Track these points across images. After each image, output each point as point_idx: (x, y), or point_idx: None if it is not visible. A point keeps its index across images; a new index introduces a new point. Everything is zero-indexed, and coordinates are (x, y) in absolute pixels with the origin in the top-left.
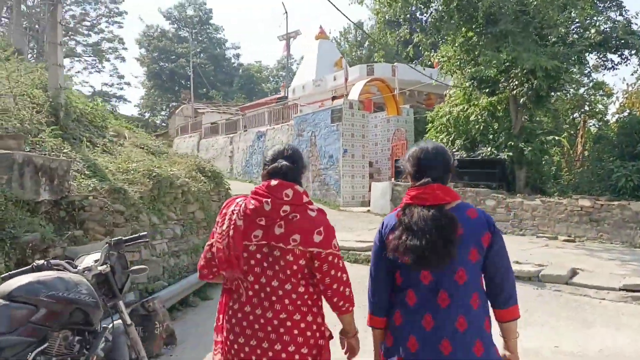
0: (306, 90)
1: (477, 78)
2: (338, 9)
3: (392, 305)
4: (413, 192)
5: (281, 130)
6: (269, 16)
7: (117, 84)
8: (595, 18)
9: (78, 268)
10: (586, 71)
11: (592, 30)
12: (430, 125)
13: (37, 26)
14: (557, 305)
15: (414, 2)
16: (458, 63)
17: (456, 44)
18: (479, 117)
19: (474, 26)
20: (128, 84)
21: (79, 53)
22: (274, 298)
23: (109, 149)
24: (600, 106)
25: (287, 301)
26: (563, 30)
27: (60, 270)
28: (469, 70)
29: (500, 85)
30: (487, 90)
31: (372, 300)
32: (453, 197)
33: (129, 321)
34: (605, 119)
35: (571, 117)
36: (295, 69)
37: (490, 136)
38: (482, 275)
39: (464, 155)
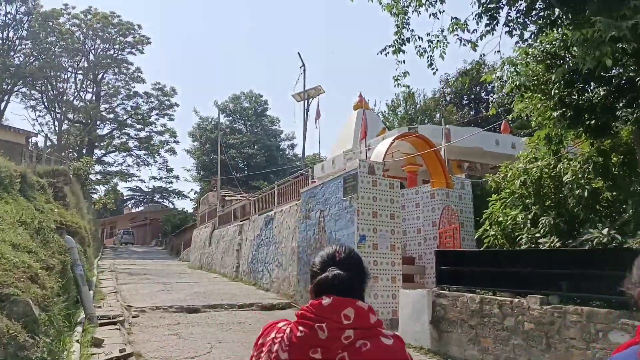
0: (336, 165)
1: (571, 104)
2: None
3: None
4: None
5: (289, 212)
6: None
7: (166, 177)
8: None
9: None
10: None
11: None
12: (494, 197)
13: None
14: None
15: None
16: (535, 78)
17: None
18: (579, 175)
19: None
20: (177, 177)
21: (130, 147)
22: None
23: None
24: None
25: None
26: None
27: None
28: (557, 83)
29: (614, 115)
30: (589, 123)
31: None
32: None
33: None
34: None
35: None
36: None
37: (603, 210)
38: None
39: (557, 244)
